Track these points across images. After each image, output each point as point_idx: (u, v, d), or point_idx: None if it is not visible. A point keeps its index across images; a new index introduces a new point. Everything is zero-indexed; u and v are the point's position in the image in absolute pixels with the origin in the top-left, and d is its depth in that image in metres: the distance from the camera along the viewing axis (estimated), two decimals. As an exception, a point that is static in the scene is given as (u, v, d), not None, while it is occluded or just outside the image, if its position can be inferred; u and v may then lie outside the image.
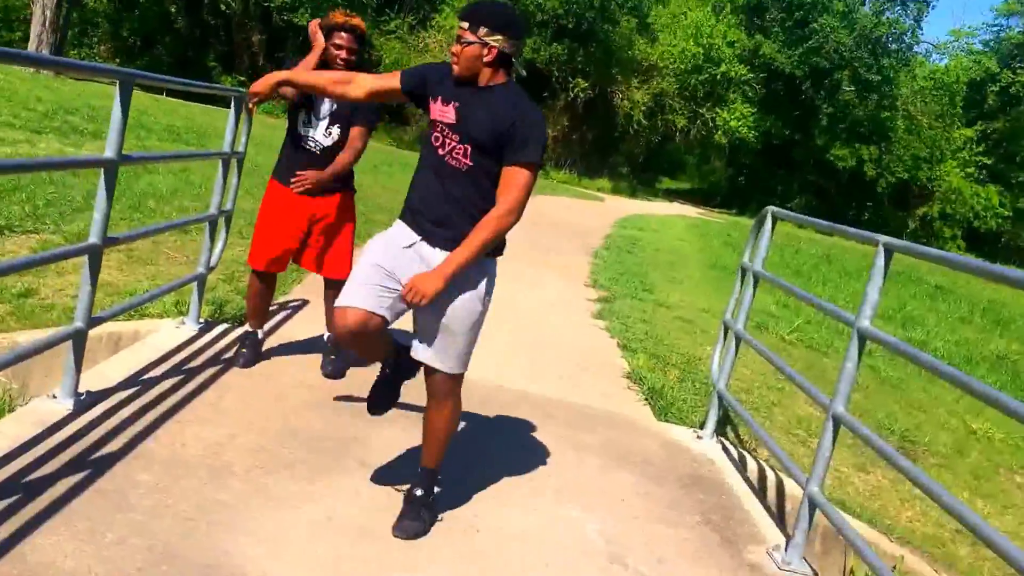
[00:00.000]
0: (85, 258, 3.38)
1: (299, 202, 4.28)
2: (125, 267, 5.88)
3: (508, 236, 2.90)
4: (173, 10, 33.50)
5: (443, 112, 2.90)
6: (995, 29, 49.69)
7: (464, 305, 2.89)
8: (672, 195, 40.41)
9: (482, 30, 2.80)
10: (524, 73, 3.05)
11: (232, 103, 4.66)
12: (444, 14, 32.68)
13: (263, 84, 3.38)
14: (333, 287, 4.44)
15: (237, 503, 2.96)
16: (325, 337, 4.65)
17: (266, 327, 4.82)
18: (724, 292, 10.42)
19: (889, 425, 6.26)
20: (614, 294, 8.76)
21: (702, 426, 4.98)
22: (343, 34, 4.15)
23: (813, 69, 36.84)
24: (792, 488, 4.66)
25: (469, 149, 2.86)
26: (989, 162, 41.89)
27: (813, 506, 3.38)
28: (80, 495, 2.78)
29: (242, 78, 33.10)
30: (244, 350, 4.47)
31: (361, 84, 3.10)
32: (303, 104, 4.24)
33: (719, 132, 34.76)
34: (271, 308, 5.51)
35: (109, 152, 3.30)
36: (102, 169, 3.34)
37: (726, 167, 44.15)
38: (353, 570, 2.72)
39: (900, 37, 39.20)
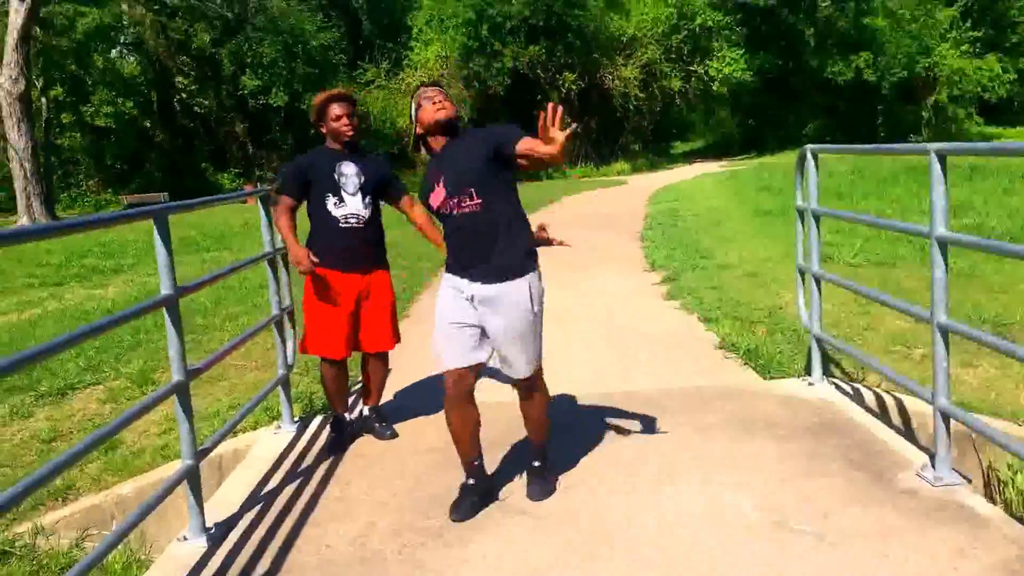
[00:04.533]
0: (174, 397, 3.38)
1: (345, 283, 4.37)
2: (199, 389, 5.82)
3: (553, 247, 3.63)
4: (148, 125, 33.79)
5: (438, 193, 3.38)
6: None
7: (523, 319, 3.37)
8: (690, 156, 40.27)
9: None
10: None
11: (259, 202, 4.70)
12: (416, 50, 32.96)
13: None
14: (376, 359, 4.59)
15: (401, 588, 3.00)
16: (366, 411, 4.69)
17: (356, 408, 4.90)
18: (778, 237, 10.46)
19: (978, 314, 6.27)
20: (676, 271, 8.85)
21: (808, 373, 5.06)
22: (338, 104, 4.28)
23: (784, -6, 36.64)
24: (914, 405, 4.72)
25: (472, 192, 3.31)
26: (980, 35, 41.14)
27: (947, 417, 3.46)
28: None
29: (237, 170, 33.29)
30: (335, 434, 4.53)
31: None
32: (327, 189, 4.30)
33: (716, 83, 34.55)
34: (355, 389, 5.52)
35: (165, 289, 3.32)
36: (164, 309, 3.34)
37: (732, 114, 43.87)
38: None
39: (861, -66, 38.66)
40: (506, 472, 3.95)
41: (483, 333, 3.43)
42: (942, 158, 3.38)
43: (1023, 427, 4.72)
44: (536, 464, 3.67)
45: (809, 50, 37.82)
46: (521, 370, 3.46)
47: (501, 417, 4.58)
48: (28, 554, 4.25)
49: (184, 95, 33.21)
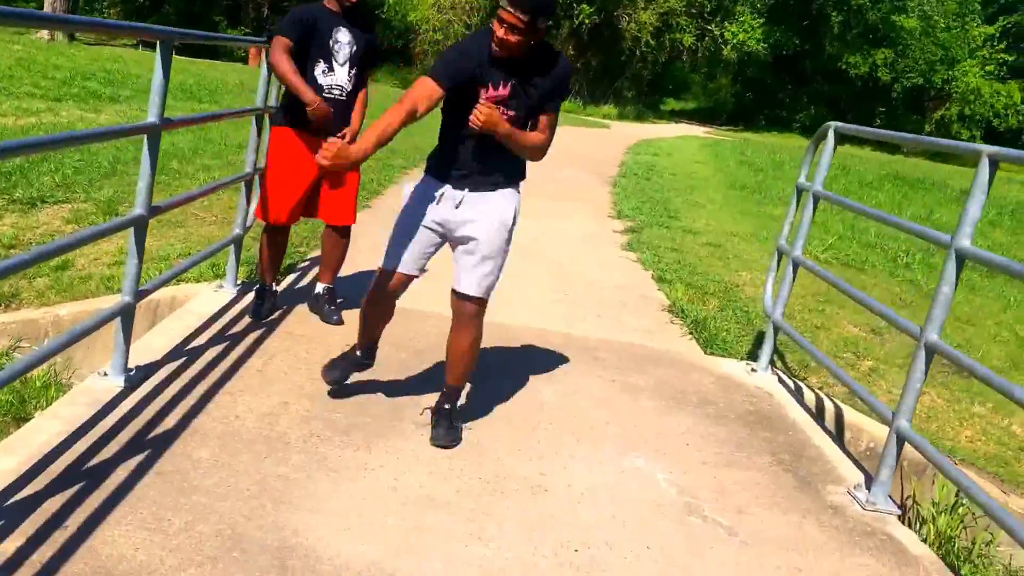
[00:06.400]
0: (130, 230, 3.22)
1: (313, 146, 4.02)
2: (156, 231, 5.72)
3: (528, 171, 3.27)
4: (174, -33, 33.05)
5: (500, 93, 3.01)
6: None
7: (497, 232, 3.14)
8: (678, 116, 39.75)
9: (540, 20, 2.87)
10: None
11: (264, 56, 4.42)
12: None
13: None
14: (335, 233, 4.36)
15: (298, 476, 2.84)
16: (320, 288, 4.45)
17: (299, 285, 4.72)
18: (748, 213, 10.17)
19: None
20: (640, 224, 8.51)
21: (751, 357, 4.79)
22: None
23: (822, -27, 35.68)
24: (852, 416, 4.49)
25: (523, 116, 3.08)
26: (1011, 59, 40.27)
27: (901, 441, 3.18)
28: (142, 479, 2.68)
29: (247, 30, 32.72)
30: (259, 301, 4.32)
31: (416, 108, 2.91)
32: (318, 53, 4.03)
33: (728, 47, 33.90)
34: (303, 266, 5.34)
35: (152, 118, 3.15)
36: (145, 136, 3.18)
37: (732, 83, 43.21)
38: (423, 542, 2.57)
39: (914, -69, 37.70)
40: (431, 386, 3.67)
41: (442, 243, 3.23)
42: (994, 164, 2.98)
43: (958, 465, 4.53)
44: (446, 407, 3.29)
45: (830, 35, 36.99)
46: (477, 284, 3.15)
47: (437, 329, 4.32)
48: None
49: (213, -57, 32.01)
